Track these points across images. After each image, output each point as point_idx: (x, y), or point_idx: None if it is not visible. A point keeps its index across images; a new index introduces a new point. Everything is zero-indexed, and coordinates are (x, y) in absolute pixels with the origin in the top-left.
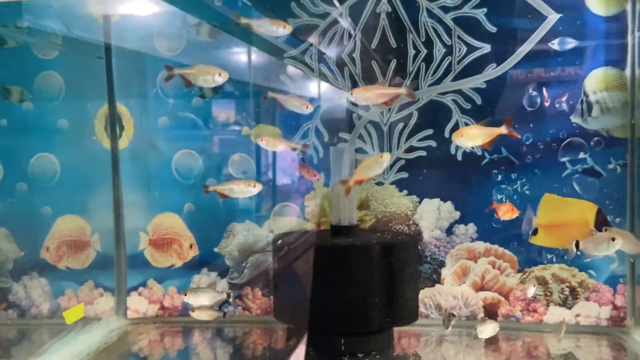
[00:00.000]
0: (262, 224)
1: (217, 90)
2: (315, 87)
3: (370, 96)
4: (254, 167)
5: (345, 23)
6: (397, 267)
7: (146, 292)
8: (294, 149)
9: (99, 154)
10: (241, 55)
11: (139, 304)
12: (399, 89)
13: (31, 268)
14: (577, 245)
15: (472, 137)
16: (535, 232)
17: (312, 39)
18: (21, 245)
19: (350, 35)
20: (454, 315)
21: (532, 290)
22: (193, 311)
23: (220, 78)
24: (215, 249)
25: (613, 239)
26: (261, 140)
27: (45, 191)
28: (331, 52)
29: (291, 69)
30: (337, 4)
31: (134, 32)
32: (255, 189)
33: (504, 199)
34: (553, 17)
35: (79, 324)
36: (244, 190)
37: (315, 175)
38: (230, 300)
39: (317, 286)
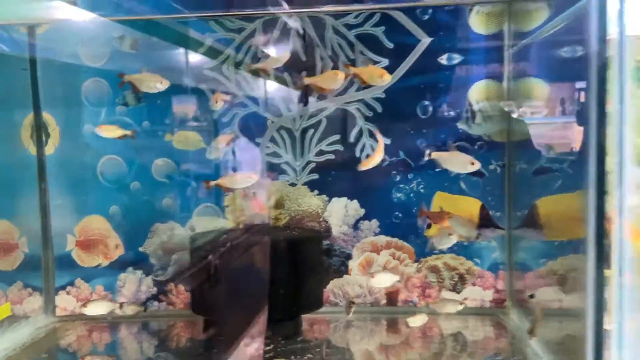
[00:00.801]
0: (184, 223)
1: (141, 99)
2: (234, 94)
3: None
4: (177, 170)
5: (260, 39)
6: (301, 260)
7: (74, 291)
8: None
9: (26, 160)
10: (168, 61)
11: (67, 303)
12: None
13: None
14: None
15: None
16: (429, 226)
17: (229, 51)
18: None
19: (263, 49)
20: (353, 303)
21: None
22: (121, 307)
23: (161, 85)
24: (140, 249)
25: (450, 234)
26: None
27: None
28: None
29: (215, 78)
30: (284, 4)
31: (59, 42)
32: (253, 179)
33: (402, 198)
34: (426, 40)
35: (5, 322)
36: (243, 181)
37: (262, 209)
38: (122, 309)
39: (230, 280)
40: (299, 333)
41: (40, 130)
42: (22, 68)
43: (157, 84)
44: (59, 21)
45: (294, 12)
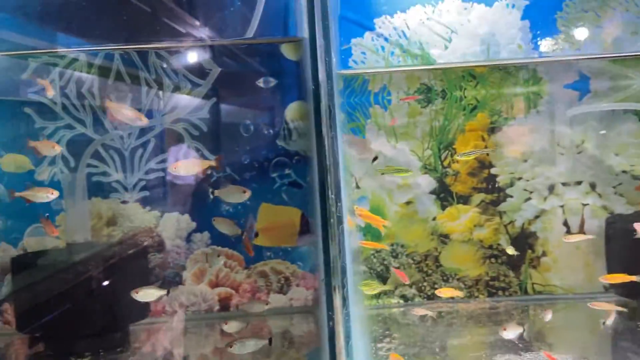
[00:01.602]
0: (16, 244)
1: None
2: (61, 117)
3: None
4: (6, 192)
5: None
6: (121, 274)
7: None
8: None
9: None
10: None
11: None
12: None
13: None
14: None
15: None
16: (256, 235)
17: (54, 75)
18: None
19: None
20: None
21: None
22: None
23: None
24: None
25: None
26: None
27: None
28: (72, 87)
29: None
30: None
31: None
32: (53, 195)
33: (230, 210)
34: (216, 70)
35: None
36: (44, 197)
37: (53, 232)
38: None
39: (52, 298)
40: (125, 344)
41: None
42: None
43: None
44: None
45: (120, 48)
